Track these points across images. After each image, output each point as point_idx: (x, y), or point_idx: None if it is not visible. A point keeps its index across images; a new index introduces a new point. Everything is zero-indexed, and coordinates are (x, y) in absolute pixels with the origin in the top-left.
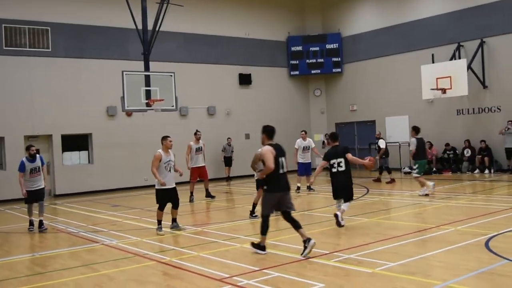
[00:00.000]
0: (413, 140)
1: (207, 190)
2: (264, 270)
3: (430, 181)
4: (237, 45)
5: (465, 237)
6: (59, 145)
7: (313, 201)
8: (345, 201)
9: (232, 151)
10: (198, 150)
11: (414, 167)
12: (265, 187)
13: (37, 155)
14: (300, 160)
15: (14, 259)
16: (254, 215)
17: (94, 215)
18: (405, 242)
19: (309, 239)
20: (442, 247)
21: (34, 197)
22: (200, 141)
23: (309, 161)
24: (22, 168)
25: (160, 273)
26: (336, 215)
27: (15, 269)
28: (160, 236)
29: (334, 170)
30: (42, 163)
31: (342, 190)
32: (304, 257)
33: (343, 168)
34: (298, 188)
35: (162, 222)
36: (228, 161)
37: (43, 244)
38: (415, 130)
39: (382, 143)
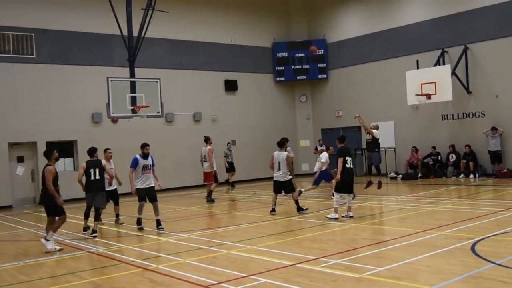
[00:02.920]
0: (289, 149)
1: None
2: (251, 276)
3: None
4: (223, 51)
5: (451, 242)
6: None
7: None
8: (349, 193)
9: (231, 157)
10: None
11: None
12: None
13: (150, 155)
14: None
15: None
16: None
17: (79, 222)
18: (391, 247)
19: (94, 231)
20: (428, 251)
21: (145, 195)
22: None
23: None
24: (134, 163)
25: (147, 280)
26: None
27: (0, 278)
28: (146, 243)
29: (347, 166)
30: (153, 164)
31: (350, 185)
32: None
33: (352, 166)
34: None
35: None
36: (232, 167)
37: (28, 252)
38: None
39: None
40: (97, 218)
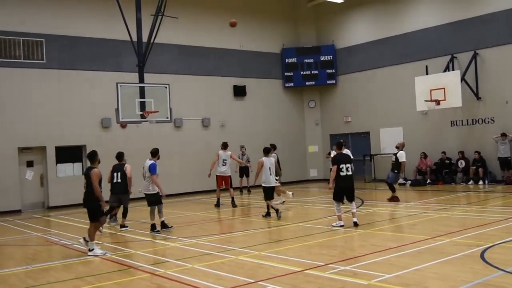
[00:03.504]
0: (275, 155)
1: (218, 199)
2: (259, 282)
3: (289, 191)
4: (232, 57)
5: (460, 248)
6: (53, 157)
7: (308, 212)
8: (350, 202)
9: (249, 161)
10: None
11: (277, 178)
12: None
13: None
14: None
15: (7, 271)
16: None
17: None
18: (400, 254)
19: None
20: (437, 258)
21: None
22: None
23: None
24: (156, 170)
25: (155, 285)
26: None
27: (8, 282)
28: (154, 249)
29: (342, 173)
30: None
31: (349, 191)
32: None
33: (350, 173)
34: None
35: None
36: (245, 171)
37: (37, 256)
38: (274, 147)
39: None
40: (125, 215)
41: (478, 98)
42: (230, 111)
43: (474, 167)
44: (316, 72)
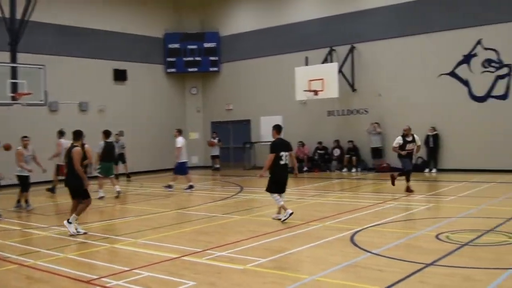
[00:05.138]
0: (101, 143)
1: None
2: (134, 270)
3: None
4: (113, 39)
5: (332, 233)
6: None
7: (188, 199)
8: (281, 194)
9: (124, 147)
10: None
11: (98, 167)
12: None
13: None
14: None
15: None
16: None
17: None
18: (276, 238)
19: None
20: (310, 242)
21: None
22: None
23: None
24: None
25: (23, 277)
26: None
27: None
28: (24, 238)
29: (282, 162)
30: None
31: (283, 184)
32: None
33: (287, 162)
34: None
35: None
36: (121, 158)
37: None
38: (105, 134)
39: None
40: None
41: (354, 90)
42: (110, 96)
43: (348, 156)
44: (199, 58)
